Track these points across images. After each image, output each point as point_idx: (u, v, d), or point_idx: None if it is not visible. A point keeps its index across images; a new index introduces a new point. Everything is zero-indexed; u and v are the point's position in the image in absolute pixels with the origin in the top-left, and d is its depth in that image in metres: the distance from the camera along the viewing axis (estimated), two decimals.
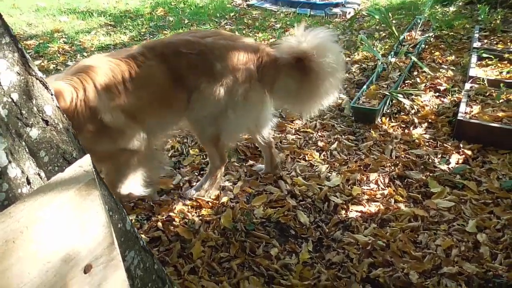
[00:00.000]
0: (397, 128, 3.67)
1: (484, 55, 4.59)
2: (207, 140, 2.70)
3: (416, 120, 3.72)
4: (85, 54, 5.41)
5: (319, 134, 3.63)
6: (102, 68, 2.14)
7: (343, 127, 3.73)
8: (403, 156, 3.28)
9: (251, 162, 3.25)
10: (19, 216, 0.62)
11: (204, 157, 3.26)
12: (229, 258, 2.43)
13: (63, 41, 5.94)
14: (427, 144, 3.43)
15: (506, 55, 4.58)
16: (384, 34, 5.94)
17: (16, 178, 0.82)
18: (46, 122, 0.85)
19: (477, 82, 4.02)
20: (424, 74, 4.50)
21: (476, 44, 5.04)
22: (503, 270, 2.27)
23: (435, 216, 2.68)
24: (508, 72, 4.31)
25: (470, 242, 2.46)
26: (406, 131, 3.61)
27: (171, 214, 2.75)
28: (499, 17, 5.90)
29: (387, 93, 3.89)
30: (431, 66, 4.74)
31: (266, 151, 3.03)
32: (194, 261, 2.40)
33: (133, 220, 2.70)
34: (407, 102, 3.86)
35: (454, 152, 3.29)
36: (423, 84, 4.30)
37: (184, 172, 3.17)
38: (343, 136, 3.57)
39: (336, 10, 7.38)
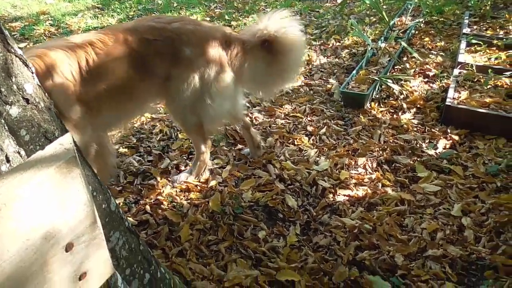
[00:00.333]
0: (386, 113, 3.68)
1: (473, 41, 4.60)
2: (190, 129, 2.69)
3: (404, 106, 3.74)
4: None
5: (308, 118, 3.63)
6: (56, 54, 2.00)
7: (332, 112, 3.74)
8: (391, 141, 3.30)
9: (240, 146, 3.25)
10: None
11: None
12: (217, 241, 2.44)
13: (49, 23, 5.83)
14: (415, 129, 3.45)
15: (495, 41, 4.60)
16: (374, 19, 5.92)
17: None
18: (27, 100, 0.83)
19: (466, 68, 4.04)
20: (413, 59, 4.50)
21: (466, 30, 5.05)
22: (486, 253, 2.31)
23: (421, 200, 2.71)
24: (496, 58, 4.33)
25: (455, 226, 2.50)
26: (395, 116, 3.63)
27: (159, 197, 2.74)
28: (489, 3, 5.90)
29: (377, 78, 3.89)
30: (421, 51, 4.74)
31: (245, 132, 3.04)
32: (182, 244, 2.41)
33: (121, 204, 2.69)
34: (396, 88, 3.87)
35: (441, 137, 3.31)
36: (412, 70, 4.31)
37: (173, 156, 3.16)
38: (332, 121, 3.58)
39: None
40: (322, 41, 5.26)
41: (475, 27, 5.32)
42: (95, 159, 2.29)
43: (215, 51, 2.44)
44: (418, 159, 3.08)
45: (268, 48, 2.59)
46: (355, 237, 2.45)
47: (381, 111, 3.71)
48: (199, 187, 2.83)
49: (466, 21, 5.35)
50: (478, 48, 4.55)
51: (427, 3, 6.05)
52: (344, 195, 2.78)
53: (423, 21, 5.65)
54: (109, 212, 1.07)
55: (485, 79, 3.82)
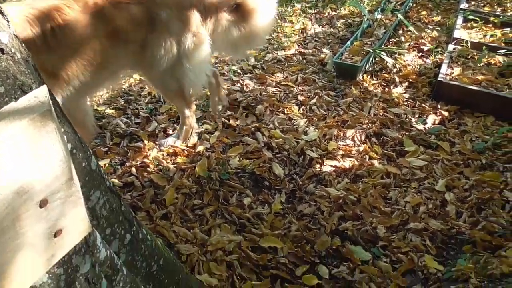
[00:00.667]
0: (378, 86, 3.66)
1: (470, 17, 4.54)
2: (172, 95, 2.64)
3: (397, 79, 3.71)
4: None
5: (300, 88, 3.59)
6: (18, 19, 1.83)
7: (324, 82, 3.70)
8: (381, 114, 3.29)
9: (229, 112, 3.21)
10: None
11: None
12: (202, 206, 2.44)
13: None
14: (405, 103, 3.44)
15: (492, 18, 4.54)
16: None
17: None
18: (2, 50, 0.79)
19: (461, 44, 4.00)
20: (409, 33, 4.44)
21: (464, 5, 4.97)
22: (466, 228, 2.35)
23: (407, 174, 2.73)
24: (491, 36, 4.29)
25: (438, 200, 2.53)
26: (386, 89, 3.61)
27: (145, 160, 2.72)
28: None
29: (371, 50, 3.84)
30: (417, 25, 4.68)
31: (213, 82, 3.00)
32: (166, 207, 2.41)
33: (107, 165, 2.67)
34: (389, 61, 3.83)
35: (431, 112, 3.31)
36: (407, 43, 4.26)
37: (161, 119, 3.12)
38: (323, 91, 3.55)
39: None
40: (317, 10, 5.16)
41: (472, 2, 5.25)
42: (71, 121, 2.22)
43: (191, 14, 2.37)
44: (407, 133, 3.08)
45: (238, 11, 2.57)
46: (339, 207, 2.47)
47: (373, 84, 3.68)
48: (186, 152, 2.81)
49: None
50: (475, 25, 4.50)
51: None
52: (331, 165, 2.78)
53: None
54: (89, 171, 1.05)
55: (479, 56, 3.80)
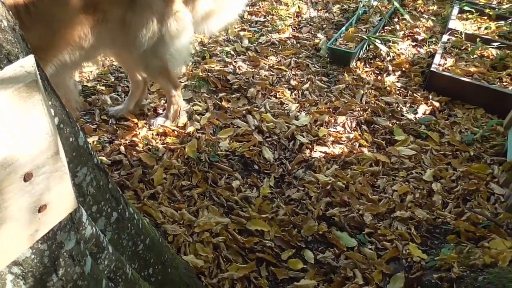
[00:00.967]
0: (371, 74, 3.65)
1: (466, 8, 4.53)
2: (155, 74, 2.58)
3: (390, 68, 3.70)
4: None
5: (293, 72, 3.57)
6: None
7: (318, 67, 3.68)
8: (373, 102, 3.28)
9: (221, 94, 3.18)
10: None
11: None
12: (191, 187, 2.43)
13: None
14: (397, 92, 3.44)
15: (487, 11, 4.54)
16: None
17: None
18: None
19: (455, 35, 3.99)
20: (404, 21, 4.42)
21: None
22: (451, 218, 2.38)
23: (395, 162, 2.74)
24: (486, 28, 4.29)
25: (425, 190, 2.55)
26: (379, 77, 3.60)
27: (134, 139, 2.69)
28: None
29: (365, 37, 3.82)
30: (412, 14, 4.65)
31: (140, 79, 2.92)
32: (154, 187, 2.39)
33: (95, 142, 2.63)
34: (383, 49, 3.82)
35: (422, 102, 3.32)
36: (402, 32, 4.25)
37: (151, 98, 3.08)
38: (316, 77, 3.53)
39: None
40: None
41: None
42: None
43: None
44: (397, 122, 3.09)
45: None
46: (327, 193, 2.48)
47: (366, 71, 3.67)
48: (176, 132, 2.78)
49: None
50: (470, 16, 4.49)
51: None
52: (321, 151, 2.78)
53: None
54: (77, 147, 1.02)
55: (472, 48, 3.80)
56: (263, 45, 3.90)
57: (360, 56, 3.82)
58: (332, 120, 3.05)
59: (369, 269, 2.08)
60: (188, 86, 3.19)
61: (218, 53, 3.68)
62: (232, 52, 3.71)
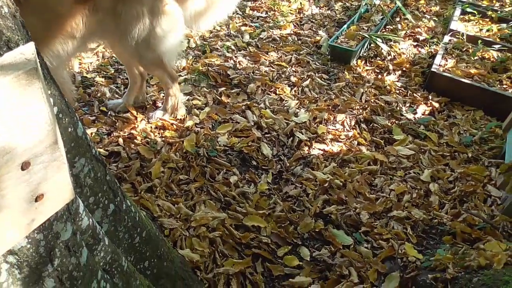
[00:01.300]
0: (371, 72, 3.64)
1: (468, 9, 4.52)
2: (150, 65, 2.57)
3: (390, 67, 3.70)
4: None
5: (293, 69, 3.56)
6: None
7: (318, 64, 3.67)
8: (372, 100, 3.28)
9: (221, 89, 3.17)
10: None
11: None
12: (188, 181, 2.43)
13: None
14: (397, 92, 3.43)
15: (489, 13, 4.53)
16: None
17: None
18: None
19: (456, 36, 3.99)
20: (406, 21, 4.41)
21: None
22: (447, 219, 2.38)
23: (393, 162, 2.74)
24: (487, 30, 4.29)
25: (422, 190, 2.56)
26: (380, 76, 3.60)
27: (133, 132, 2.68)
28: None
29: (367, 36, 3.81)
30: (414, 14, 4.65)
31: (137, 74, 2.89)
32: (152, 180, 2.38)
33: (93, 134, 2.62)
34: (384, 48, 3.81)
35: (422, 102, 3.32)
36: (404, 32, 4.24)
37: (151, 91, 3.07)
38: (316, 74, 3.52)
39: None
40: None
41: None
42: None
43: None
44: (396, 121, 3.09)
45: None
46: (325, 191, 2.48)
47: (367, 70, 3.66)
48: (175, 126, 2.77)
49: None
50: (472, 18, 4.48)
51: None
52: (319, 149, 2.78)
53: None
54: (75, 137, 1.02)
55: (473, 49, 3.80)
56: (264, 41, 3.89)
57: (361, 54, 3.81)
58: (331, 118, 3.05)
59: (364, 267, 2.08)
60: (188, 80, 3.18)
61: (219, 47, 3.66)
62: (233, 47, 3.70)
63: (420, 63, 3.79)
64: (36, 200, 0.74)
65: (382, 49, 3.80)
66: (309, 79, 3.42)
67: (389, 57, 3.81)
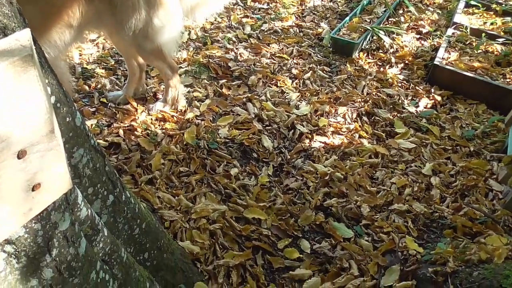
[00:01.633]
0: (373, 65, 3.62)
1: (472, 2, 4.48)
2: (149, 56, 2.55)
3: (393, 60, 3.67)
4: None
5: (295, 61, 3.53)
6: None
7: (320, 57, 3.64)
8: (374, 93, 3.26)
9: (222, 81, 3.15)
10: None
11: None
12: (189, 173, 2.42)
13: None
14: (399, 84, 3.41)
15: (494, 6, 4.49)
16: None
17: None
18: None
19: (460, 29, 3.96)
20: (409, 13, 4.38)
21: None
22: (448, 212, 2.37)
23: (395, 155, 2.73)
24: (492, 24, 4.25)
25: (424, 184, 2.54)
26: (382, 69, 3.57)
27: (133, 123, 2.67)
28: None
29: (369, 28, 3.78)
30: (418, 6, 4.61)
31: (136, 64, 2.87)
32: (152, 172, 2.38)
33: (93, 125, 2.61)
34: (387, 40, 3.78)
35: (424, 96, 3.30)
36: (406, 24, 4.20)
37: (151, 83, 3.05)
38: (318, 66, 3.49)
39: None
40: None
41: None
42: None
43: None
44: (398, 114, 3.07)
45: None
46: (326, 183, 2.47)
47: (369, 62, 3.64)
48: (175, 118, 2.76)
49: None
50: (476, 11, 4.44)
51: None
52: (320, 141, 2.77)
53: None
54: (74, 127, 1.01)
55: (477, 43, 3.77)
56: (266, 33, 3.86)
57: (363, 47, 3.78)
58: (333, 111, 3.03)
59: (364, 260, 2.08)
60: (189, 72, 3.16)
61: (220, 39, 3.64)
62: (234, 39, 3.67)
63: (422, 56, 3.76)
64: (33, 190, 0.73)
65: (384, 41, 3.78)
66: (311, 71, 3.40)
67: (391, 50, 3.79)
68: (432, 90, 3.35)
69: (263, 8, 4.28)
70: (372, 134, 2.89)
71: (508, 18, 4.30)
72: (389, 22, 4.25)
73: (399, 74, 3.54)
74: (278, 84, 3.22)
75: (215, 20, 3.83)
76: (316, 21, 4.19)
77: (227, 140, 2.65)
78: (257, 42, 3.68)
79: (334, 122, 2.94)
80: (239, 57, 3.44)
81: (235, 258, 2.01)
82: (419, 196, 2.47)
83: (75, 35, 2.11)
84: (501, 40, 3.80)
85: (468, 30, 3.92)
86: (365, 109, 3.07)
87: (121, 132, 2.58)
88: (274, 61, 3.48)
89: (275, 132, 2.78)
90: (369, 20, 4.06)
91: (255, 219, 2.21)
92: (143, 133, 2.62)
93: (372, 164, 2.64)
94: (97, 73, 3.06)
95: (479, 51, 3.70)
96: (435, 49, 3.81)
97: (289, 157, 2.62)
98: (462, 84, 3.32)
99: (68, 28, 2.03)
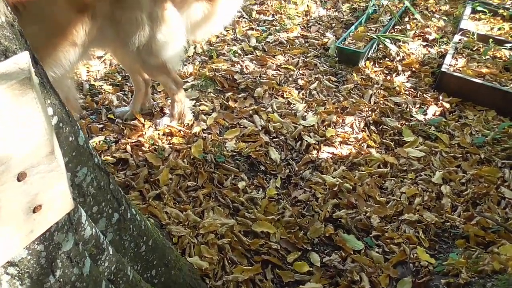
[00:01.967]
0: (380, 74, 3.60)
1: (479, 8, 4.46)
2: (154, 71, 2.57)
3: (400, 68, 3.65)
4: None
5: (301, 72, 3.53)
6: None
7: (326, 67, 3.64)
8: (381, 102, 3.24)
9: (228, 94, 3.16)
10: None
11: None
12: (196, 188, 2.41)
13: None
14: (407, 92, 3.39)
15: (501, 11, 4.45)
16: None
17: None
18: None
19: (467, 35, 3.93)
20: (415, 21, 4.36)
21: None
22: (460, 222, 2.33)
23: (404, 164, 2.70)
24: (499, 29, 4.22)
25: (434, 193, 2.51)
26: (388, 77, 3.55)
27: (140, 139, 2.68)
28: None
29: (375, 37, 3.77)
30: (424, 13, 4.59)
31: (141, 80, 2.89)
32: (160, 188, 2.38)
33: (101, 142, 2.63)
34: (393, 48, 3.77)
35: (432, 103, 3.27)
36: (412, 32, 4.19)
37: (158, 98, 3.07)
38: (324, 76, 3.49)
39: None
40: None
41: None
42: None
43: None
44: (406, 123, 3.04)
45: None
46: (334, 195, 2.44)
47: (375, 71, 3.62)
48: (182, 132, 2.76)
49: None
50: (483, 16, 4.42)
51: None
52: (328, 152, 2.75)
53: None
54: (77, 146, 1.01)
55: (484, 48, 3.73)
56: (271, 45, 3.87)
57: (369, 55, 3.77)
58: (340, 121, 3.02)
59: (376, 272, 2.04)
60: (195, 85, 3.18)
61: (226, 52, 3.66)
62: (240, 52, 3.69)
63: (430, 63, 3.74)
64: (34, 211, 0.73)
65: (390, 49, 3.76)
66: (317, 81, 3.40)
67: (398, 58, 3.77)
68: (440, 97, 3.32)
69: (268, 20, 4.30)
70: (381, 143, 2.87)
71: None
72: (395, 30, 4.24)
73: (406, 82, 3.52)
74: (285, 96, 3.22)
75: (220, 33, 3.85)
76: (321, 31, 4.19)
77: (234, 153, 2.65)
78: (262, 54, 3.69)
79: (341, 132, 2.92)
80: (245, 70, 3.45)
81: (244, 273, 1.99)
82: (429, 206, 2.43)
83: (80, 53, 2.13)
84: (509, 45, 3.76)
85: (475, 36, 3.90)
86: (373, 118, 3.05)
87: (128, 148, 2.59)
88: (280, 73, 3.48)
89: (282, 143, 2.77)
90: (374, 29, 4.06)
91: (264, 233, 2.19)
92: (150, 148, 2.62)
93: (381, 173, 2.61)
94: (104, 90, 3.08)
95: (487, 57, 3.67)
96: (442, 56, 3.79)
97: (297, 168, 2.61)
98: (471, 90, 3.28)
99: (73, 47, 2.05)
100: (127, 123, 2.80)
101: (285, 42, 3.93)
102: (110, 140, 2.67)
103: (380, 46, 3.86)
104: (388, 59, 3.77)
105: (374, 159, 2.70)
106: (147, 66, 2.49)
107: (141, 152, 2.58)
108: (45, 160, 0.69)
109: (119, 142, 2.66)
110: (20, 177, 0.67)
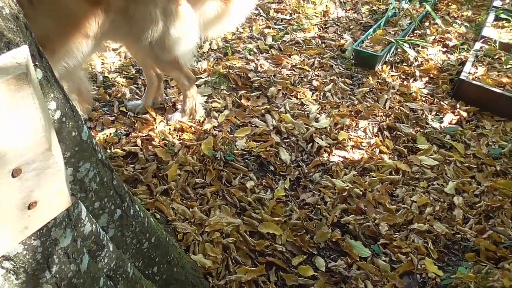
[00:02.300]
0: (397, 78, 3.53)
1: (502, 15, 4.34)
2: (166, 66, 2.56)
3: (417, 73, 3.58)
4: None
5: (316, 73, 3.49)
6: None
7: (342, 69, 3.59)
8: (397, 107, 3.18)
9: (241, 92, 3.13)
10: None
11: None
12: (204, 185, 2.40)
13: None
14: (423, 99, 3.32)
15: None
16: None
17: None
18: None
19: (488, 43, 3.83)
20: (435, 26, 4.27)
21: (497, 2, 4.75)
22: (471, 234, 2.27)
23: (416, 172, 2.65)
24: None
25: (446, 203, 2.45)
26: (405, 82, 3.49)
27: (151, 133, 2.68)
28: None
29: (393, 40, 3.71)
30: (445, 19, 4.50)
31: (154, 74, 2.88)
32: (168, 183, 2.37)
33: (112, 134, 2.63)
34: (412, 53, 3.70)
35: (449, 111, 3.19)
36: (432, 37, 4.10)
37: (171, 93, 3.06)
38: (339, 79, 3.44)
39: None
40: None
41: (507, 0, 5.01)
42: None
43: None
44: (421, 130, 2.98)
45: None
46: (344, 200, 2.41)
47: (392, 76, 3.56)
48: (193, 129, 2.75)
49: None
50: (506, 24, 4.30)
51: None
52: (340, 156, 2.71)
53: None
54: (80, 141, 0.99)
55: (506, 57, 3.64)
56: (287, 44, 3.84)
57: (386, 59, 3.71)
58: (353, 124, 2.97)
59: (381, 281, 2.01)
60: (208, 82, 3.16)
61: (241, 50, 3.63)
62: (255, 50, 3.66)
63: (448, 70, 3.66)
64: (29, 208, 0.71)
65: (409, 54, 3.70)
66: (332, 83, 3.35)
67: (416, 63, 3.70)
68: (458, 105, 3.24)
69: (286, 19, 4.26)
70: (393, 149, 2.81)
71: None
72: (415, 34, 4.16)
73: (423, 88, 3.45)
74: (298, 96, 3.18)
75: (236, 31, 3.83)
76: (339, 33, 4.14)
77: (244, 152, 2.63)
78: (278, 53, 3.66)
79: (354, 136, 2.88)
80: (259, 68, 3.42)
81: (247, 273, 1.98)
82: (440, 216, 2.38)
83: (93, 45, 2.13)
84: None
85: (497, 44, 3.80)
86: (387, 124, 2.99)
87: (138, 141, 2.59)
88: (295, 73, 3.45)
89: (293, 144, 2.74)
90: (393, 32, 3.99)
91: (270, 234, 2.17)
92: (160, 143, 2.62)
93: (393, 180, 2.56)
94: (118, 82, 3.09)
95: (508, 66, 3.57)
96: (462, 63, 3.70)
97: (306, 171, 2.57)
98: (490, 100, 3.20)
99: (86, 39, 2.05)
100: (138, 116, 2.80)
101: (301, 42, 3.88)
102: (121, 133, 2.67)
103: (398, 50, 3.80)
104: (405, 64, 3.70)
105: (386, 166, 2.65)
106: (159, 61, 2.48)
107: (151, 147, 2.58)
108: (41, 157, 0.68)
109: (130, 135, 2.66)
110: (15, 173, 0.65)
